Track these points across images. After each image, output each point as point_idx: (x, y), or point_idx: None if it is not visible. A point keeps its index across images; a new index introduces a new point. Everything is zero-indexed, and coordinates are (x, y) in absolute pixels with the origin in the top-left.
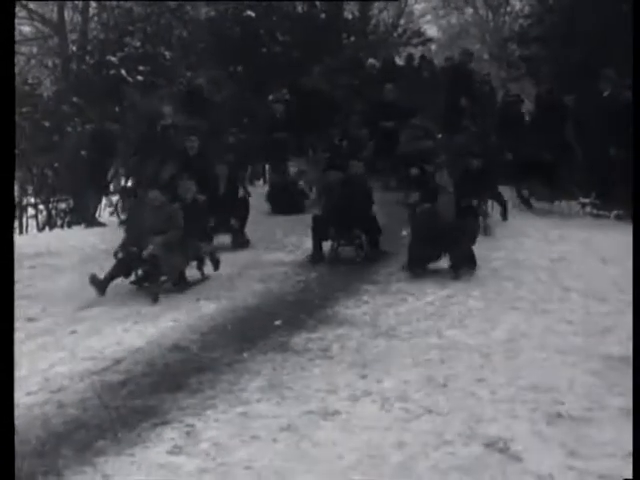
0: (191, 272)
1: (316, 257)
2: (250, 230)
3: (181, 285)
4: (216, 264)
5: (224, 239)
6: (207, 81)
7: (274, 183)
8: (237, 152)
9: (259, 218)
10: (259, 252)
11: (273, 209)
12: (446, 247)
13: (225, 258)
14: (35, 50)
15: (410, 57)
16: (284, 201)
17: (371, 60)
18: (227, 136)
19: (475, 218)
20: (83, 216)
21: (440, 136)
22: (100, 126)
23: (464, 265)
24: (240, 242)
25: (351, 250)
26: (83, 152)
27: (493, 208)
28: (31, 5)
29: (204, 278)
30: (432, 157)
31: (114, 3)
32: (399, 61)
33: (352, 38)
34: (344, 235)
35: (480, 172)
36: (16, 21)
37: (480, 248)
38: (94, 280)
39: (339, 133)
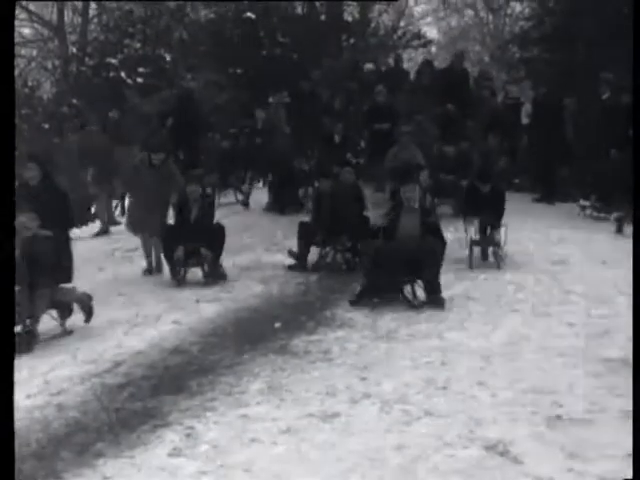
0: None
1: (298, 265)
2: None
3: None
4: (88, 314)
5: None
6: (206, 83)
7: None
8: (233, 156)
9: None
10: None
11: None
12: (406, 275)
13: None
14: (35, 52)
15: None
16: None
17: (369, 65)
18: (220, 141)
19: (441, 239)
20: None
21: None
22: None
23: (429, 297)
24: (214, 276)
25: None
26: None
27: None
28: (31, 7)
29: (66, 332)
30: (417, 170)
31: (114, 5)
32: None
33: (352, 40)
34: (332, 242)
35: (491, 194)
36: (16, 23)
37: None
38: None
39: (333, 138)
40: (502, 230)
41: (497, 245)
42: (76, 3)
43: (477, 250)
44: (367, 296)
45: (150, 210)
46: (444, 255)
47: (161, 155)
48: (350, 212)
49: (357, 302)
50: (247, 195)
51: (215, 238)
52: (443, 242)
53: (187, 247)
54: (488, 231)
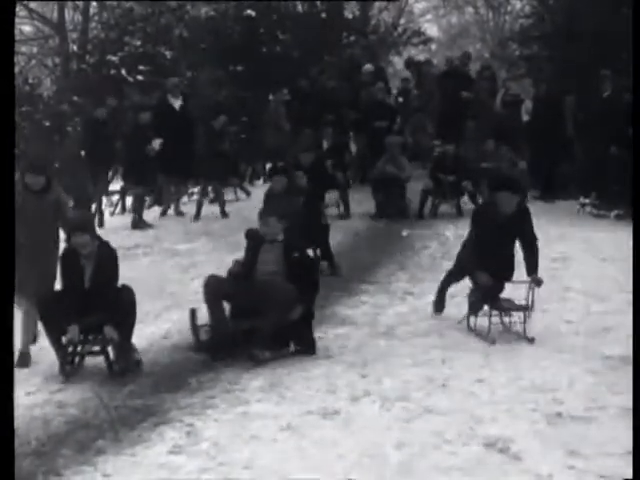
0: None
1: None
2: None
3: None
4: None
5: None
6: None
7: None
8: (233, 153)
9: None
10: None
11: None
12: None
13: None
14: (35, 50)
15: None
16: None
17: (368, 65)
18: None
19: (312, 277)
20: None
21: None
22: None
23: (300, 348)
24: (124, 363)
25: None
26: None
27: None
28: (31, 4)
29: None
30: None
31: (114, 3)
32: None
33: (352, 37)
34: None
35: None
36: (16, 20)
37: None
38: None
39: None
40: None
41: (525, 309)
42: (76, 1)
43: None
44: (213, 349)
45: (31, 262)
46: (314, 296)
47: (41, 178)
48: (305, 216)
49: (210, 354)
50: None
51: (120, 310)
52: (315, 280)
53: (82, 325)
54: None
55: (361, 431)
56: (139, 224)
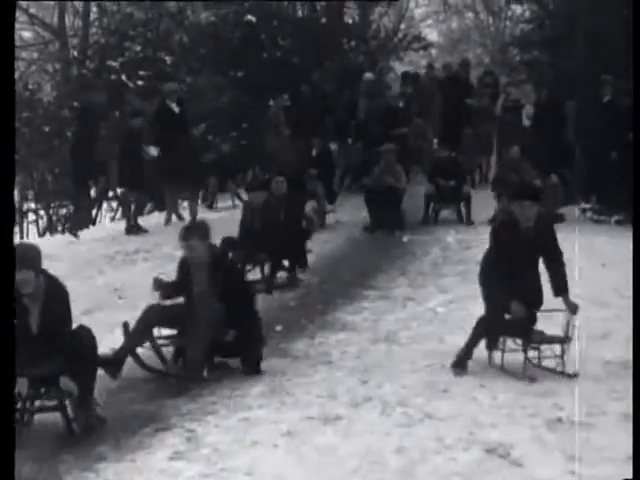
0: None
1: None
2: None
3: None
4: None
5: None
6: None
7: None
8: (233, 159)
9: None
10: None
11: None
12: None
13: None
14: (35, 55)
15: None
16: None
17: (367, 74)
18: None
19: (244, 296)
20: (83, 221)
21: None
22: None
23: (243, 369)
24: (85, 420)
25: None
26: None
27: None
28: (32, 10)
29: None
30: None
31: (115, 8)
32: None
33: (353, 43)
34: (250, 260)
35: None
36: (16, 26)
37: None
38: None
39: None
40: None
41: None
42: (77, 6)
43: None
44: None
45: None
46: (250, 314)
47: None
48: (278, 229)
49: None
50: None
51: (78, 356)
52: (244, 299)
53: (31, 376)
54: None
55: (362, 436)
56: (132, 230)
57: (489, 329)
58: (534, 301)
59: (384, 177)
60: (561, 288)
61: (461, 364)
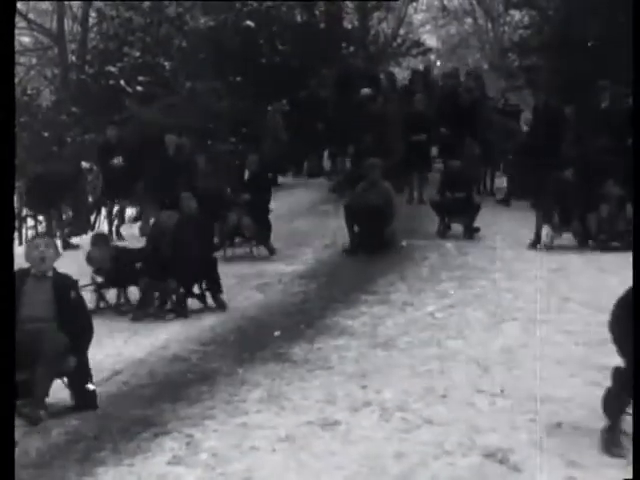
0: None
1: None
2: None
3: None
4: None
5: None
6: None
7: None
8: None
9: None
10: None
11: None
12: None
13: None
14: (34, 60)
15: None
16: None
17: (365, 90)
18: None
19: (83, 321)
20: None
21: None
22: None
23: (77, 403)
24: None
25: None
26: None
27: None
28: (31, 15)
29: None
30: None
31: (114, 13)
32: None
33: (352, 48)
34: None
35: None
36: (15, 31)
37: (477, 258)
38: None
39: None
40: None
41: None
42: (76, 11)
43: None
44: None
45: None
46: (88, 343)
47: None
48: (191, 253)
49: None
50: None
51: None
52: (84, 325)
53: None
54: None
55: (360, 442)
56: (66, 244)
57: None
58: None
59: (367, 195)
60: None
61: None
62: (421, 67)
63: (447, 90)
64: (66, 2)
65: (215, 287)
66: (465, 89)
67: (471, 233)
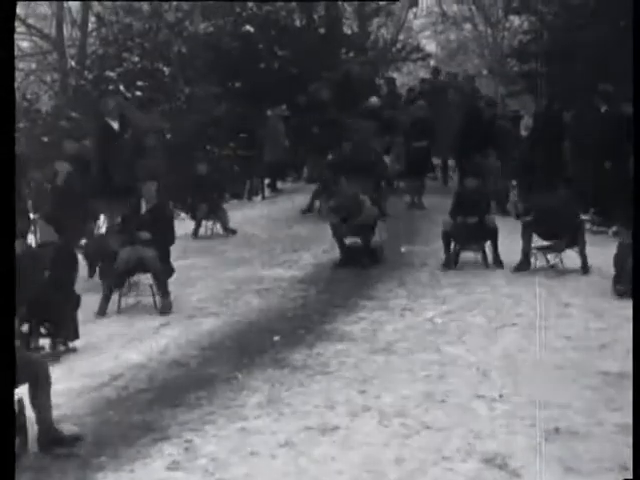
0: None
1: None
2: None
3: None
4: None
5: None
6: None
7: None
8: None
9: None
10: None
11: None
12: None
13: None
14: (34, 65)
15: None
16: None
17: (374, 99)
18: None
19: None
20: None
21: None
22: None
23: None
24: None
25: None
26: None
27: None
28: (30, 20)
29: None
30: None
31: (113, 18)
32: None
33: (351, 53)
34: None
35: None
36: (15, 36)
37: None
38: None
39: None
40: None
41: None
42: (75, 16)
43: None
44: None
45: None
46: None
47: None
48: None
49: None
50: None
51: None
52: None
53: None
54: None
55: (360, 447)
56: None
57: None
58: None
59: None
60: None
61: None
62: (426, 74)
63: (468, 107)
64: (65, 7)
65: (65, 333)
66: (486, 102)
67: (494, 258)
